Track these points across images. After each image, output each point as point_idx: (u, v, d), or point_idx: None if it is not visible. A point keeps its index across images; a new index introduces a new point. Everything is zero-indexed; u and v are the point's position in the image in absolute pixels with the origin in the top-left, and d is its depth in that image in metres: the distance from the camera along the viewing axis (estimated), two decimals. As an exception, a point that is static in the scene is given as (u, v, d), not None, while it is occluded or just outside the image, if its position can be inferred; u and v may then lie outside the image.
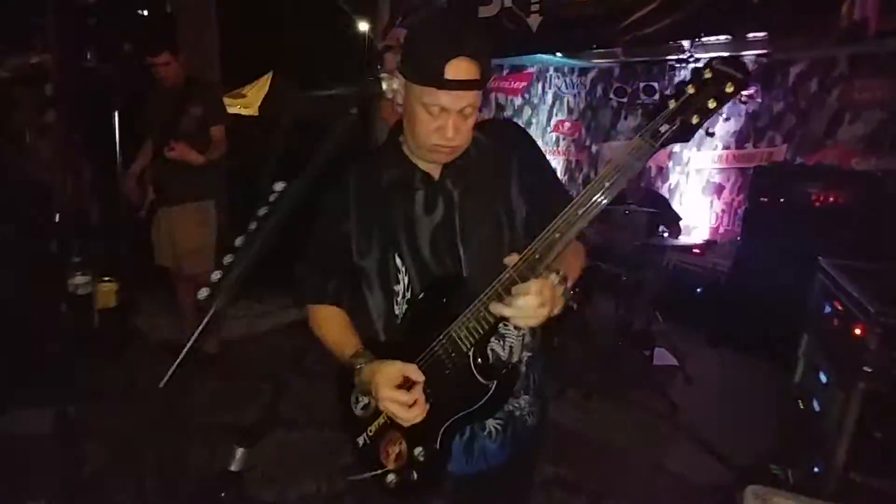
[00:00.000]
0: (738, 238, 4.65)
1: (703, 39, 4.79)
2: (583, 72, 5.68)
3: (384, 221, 1.24)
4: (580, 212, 0.97)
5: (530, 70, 5.91)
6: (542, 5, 3.85)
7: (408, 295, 1.25)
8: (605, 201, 0.96)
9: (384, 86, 1.08)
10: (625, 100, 5.40)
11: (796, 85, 4.58)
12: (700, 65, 0.93)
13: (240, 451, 1.09)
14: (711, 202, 5.21)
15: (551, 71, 5.83)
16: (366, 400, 1.26)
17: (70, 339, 1.94)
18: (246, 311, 4.40)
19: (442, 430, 1.18)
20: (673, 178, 5.40)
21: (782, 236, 3.98)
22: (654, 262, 4.03)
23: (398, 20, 4.69)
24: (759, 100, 4.75)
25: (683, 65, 5.07)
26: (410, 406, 1.12)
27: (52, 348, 2.00)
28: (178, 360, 0.95)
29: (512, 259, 1.02)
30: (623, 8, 3.44)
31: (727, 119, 4.97)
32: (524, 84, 5.97)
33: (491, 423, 1.28)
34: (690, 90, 0.92)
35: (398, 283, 1.24)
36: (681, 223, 4.49)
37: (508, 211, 1.20)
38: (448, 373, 1.14)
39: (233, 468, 1.10)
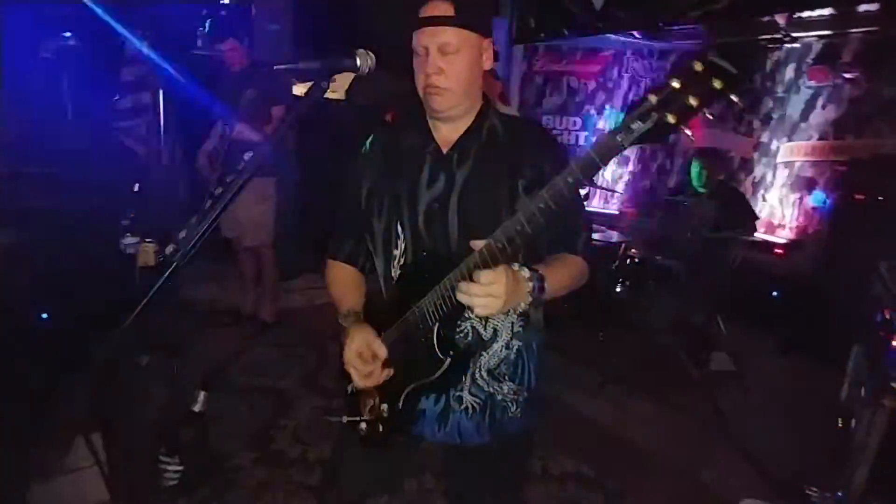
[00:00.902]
0: (826, 238, 4.18)
1: (804, 17, 4.33)
2: (663, 54, 5.34)
3: (394, 187, 1.31)
4: (541, 205, 0.96)
5: (606, 53, 5.65)
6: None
7: (402, 261, 1.33)
8: (568, 196, 0.94)
9: (358, 61, 1.12)
10: (707, 84, 4.99)
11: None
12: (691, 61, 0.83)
13: (202, 395, 1.22)
14: (800, 199, 4.72)
15: (628, 53, 5.53)
16: None
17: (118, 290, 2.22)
18: (310, 284, 4.69)
19: (404, 393, 1.26)
20: (758, 171, 4.94)
21: (877, 238, 3.52)
22: (719, 258, 3.75)
23: None
24: (864, 84, 4.20)
25: (778, 45, 4.60)
26: (366, 374, 1.23)
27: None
28: (135, 312, 1.04)
29: (477, 244, 1.04)
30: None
31: (824, 106, 4.46)
32: (599, 67, 5.72)
33: (468, 399, 1.32)
34: (675, 84, 0.83)
35: (396, 248, 1.32)
36: (758, 222, 4.11)
37: (510, 204, 1.22)
38: (414, 342, 1.21)
39: (196, 409, 1.23)
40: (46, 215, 2.72)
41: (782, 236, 4.75)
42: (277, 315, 3.85)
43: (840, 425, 1.95)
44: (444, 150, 1.27)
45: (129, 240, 2.12)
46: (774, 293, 4.28)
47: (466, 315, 1.26)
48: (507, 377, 1.31)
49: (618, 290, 3.75)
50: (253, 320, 3.79)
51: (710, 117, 0.86)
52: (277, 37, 4.43)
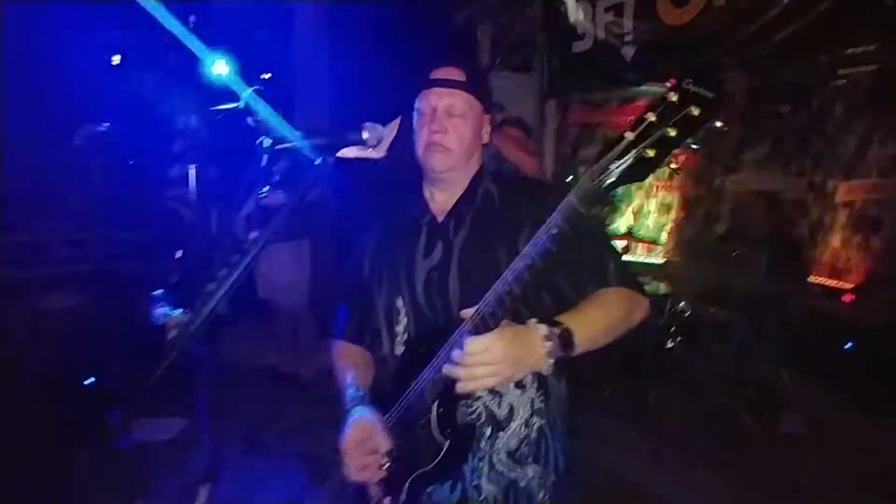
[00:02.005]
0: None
1: (847, 54, 4.16)
2: (700, 99, 5.22)
3: (392, 262, 1.28)
4: (528, 262, 0.91)
5: (641, 102, 5.59)
6: (636, 35, 3.66)
7: (405, 337, 1.25)
8: (553, 249, 0.89)
9: (364, 135, 1.13)
10: (748, 125, 4.83)
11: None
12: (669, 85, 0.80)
13: (204, 490, 1.15)
14: (867, 240, 4.36)
15: (663, 101, 5.46)
16: None
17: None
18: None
19: (407, 483, 1.15)
20: (814, 213, 4.63)
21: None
22: (778, 308, 3.46)
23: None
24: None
25: (821, 83, 4.42)
26: (362, 466, 1.14)
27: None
28: (154, 377, 1.01)
29: (468, 313, 0.97)
30: (720, 32, 3.14)
31: (883, 142, 4.18)
32: (632, 117, 5.65)
33: (487, 489, 1.18)
34: (650, 117, 0.80)
35: (398, 323, 1.26)
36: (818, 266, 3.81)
37: (513, 257, 1.15)
38: (415, 425, 1.12)
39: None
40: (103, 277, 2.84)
41: (849, 281, 4.37)
42: (315, 374, 3.82)
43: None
44: (440, 219, 1.24)
45: (161, 309, 2.14)
46: (848, 344, 3.89)
47: (476, 394, 1.15)
48: (530, 459, 1.19)
49: (669, 345, 3.50)
50: (290, 379, 3.77)
51: (695, 147, 0.79)
52: (317, 109, 4.64)
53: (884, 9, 2.57)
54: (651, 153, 0.77)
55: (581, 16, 3.92)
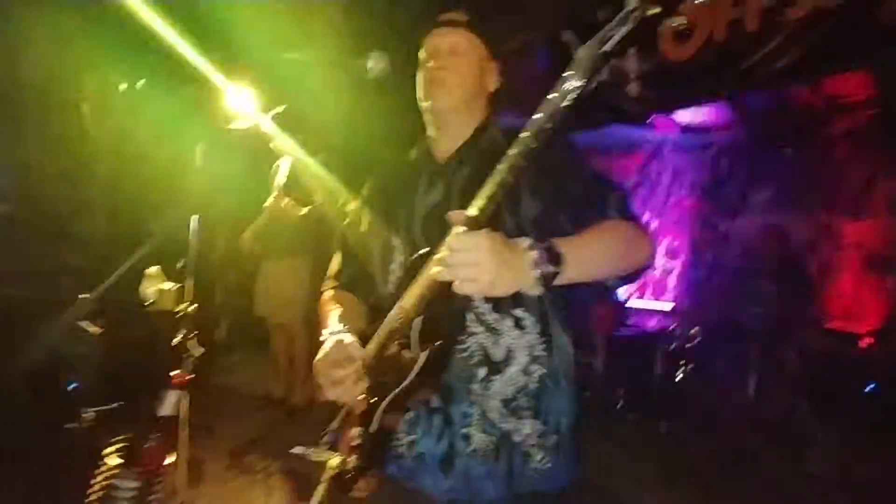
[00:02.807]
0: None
1: (844, 100, 4.32)
2: (703, 146, 5.35)
3: (391, 202, 1.26)
4: (527, 135, 0.86)
5: (645, 148, 5.74)
6: (640, 71, 3.80)
7: (399, 274, 1.20)
8: (551, 126, 0.84)
9: (370, 63, 1.15)
10: (752, 170, 4.92)
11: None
12: None
13: (173, 394, 1.07)
14: (881, 282, 4.28)
15: (667, 148, 5.59)
16: None
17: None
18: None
19: (379, 410, 1.05)
20: (824, 252, 4.59)
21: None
22: (798, 339, 3.35)
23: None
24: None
25: (819, 127, 4.53)
26: (336, 380, 1.05)
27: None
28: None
29: (457, 215, 0.91)
30: (721, 64, 3.26)
31: (887, 180, 4.22)
32: (639, 163, 5.78)
33: (478, 437, 1.08)
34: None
35: (392, 262, 1.22)
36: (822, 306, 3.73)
37: (514, 207, 1.13)
38: (394, 348, 1.05)
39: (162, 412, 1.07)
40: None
41: (865, 325, 4.25)
42: (310, 399, 3.66)
43: None
44: (442, 161, 1.22)
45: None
46: (869, 386, 3.72)
47: (471, 329, 1.09)
48: (528, 413, 1.09)
49: (679, 374, 3.36)
50: (283, 404, 3.62)
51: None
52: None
53: (878, 35, 2.65)
54: (654, 10, 0.76)
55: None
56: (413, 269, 1.06)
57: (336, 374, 1.04)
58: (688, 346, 3.47)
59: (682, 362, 3.44)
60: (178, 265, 3.21)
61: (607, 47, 0.80)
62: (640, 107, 3.87)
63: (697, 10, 3.34)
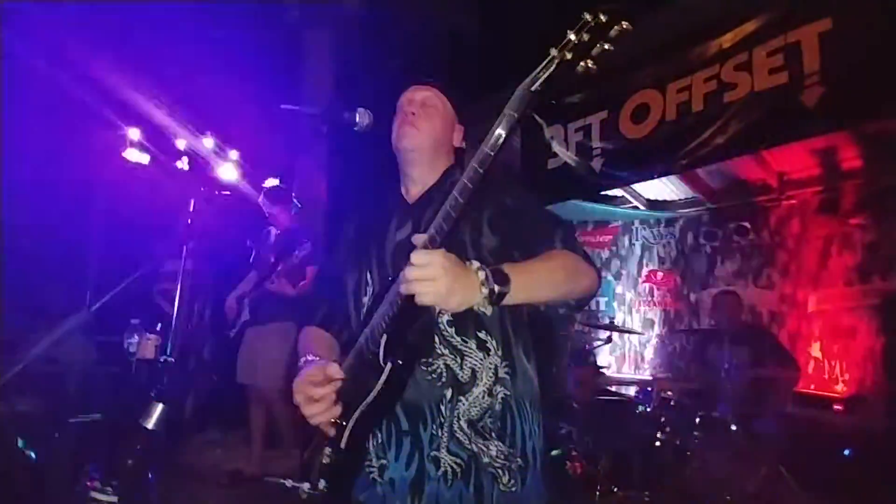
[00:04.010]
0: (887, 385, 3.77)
1: (793, 177, 4.69)
2: (670, 221, 5.64)
3: (366, 241, 1.37)
4: (476, 165, 0.99)
5: (615, 224, 6.01)
6: (602, 149, 4.13)
7: (370, 304, 1.28)
8: (492, 153, 0.98)
9: (357, 118, 1.31)
10: (717, 243, 5.18)
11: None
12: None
13: (158, 407, 1.07)
14: (846, 348, 4.40)
15: (637, 223, 5.87)
16: None
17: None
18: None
19: (349, 427, 1.10)
20: (791, 323, 4.74)
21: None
22: (767, 400, 3.39)
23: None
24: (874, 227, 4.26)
25: (774, 203, 4.85)
26: (316, 400, 1.11)
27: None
28: None
29: (420, 238, 1.04)
30: (674, 137, 3.59)
31: (841, 253, 4.47)
32: (610, 237, 6.02)
33: (447, 460, 1.12)
34: (570, 36, 0.91)
35: (366, 295, 1.30)
36: (795, 368, 3.80)
37: (476, 239, 1.25)
38: (362, 367, 1.12)
39: (149, 426, 1.07)
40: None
41: (838, 391, 4.31)
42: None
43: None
44: (411, 201, 1.35)
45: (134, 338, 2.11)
46: (846, 451, 3.70)
47: (438, 351, 1.17)
48: (493, 435, 1.14)
49: (660, 437, 3.32)
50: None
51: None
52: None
53: (804, 114, 2.99)
54: (569, 55, 0.91)
55: (554, 137, 4.45)
56: (381, 297, 1.15)
57: (315, 391, 1.10)
58: (666, 414, 3.47)
59: (660, 431, 3.41)
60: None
61: (535, 87, 0.94)
62: (604, 181, 4.18)
63: (650, 94, 3.73)
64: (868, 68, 2.75)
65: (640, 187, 5.31)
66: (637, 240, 5.88)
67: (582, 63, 0.92)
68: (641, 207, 5.60)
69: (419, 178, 1.35)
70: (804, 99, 2.95)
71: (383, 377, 1.05)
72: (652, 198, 5.57)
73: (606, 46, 0.90)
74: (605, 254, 6.02)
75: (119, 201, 4.66)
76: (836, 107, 2.91)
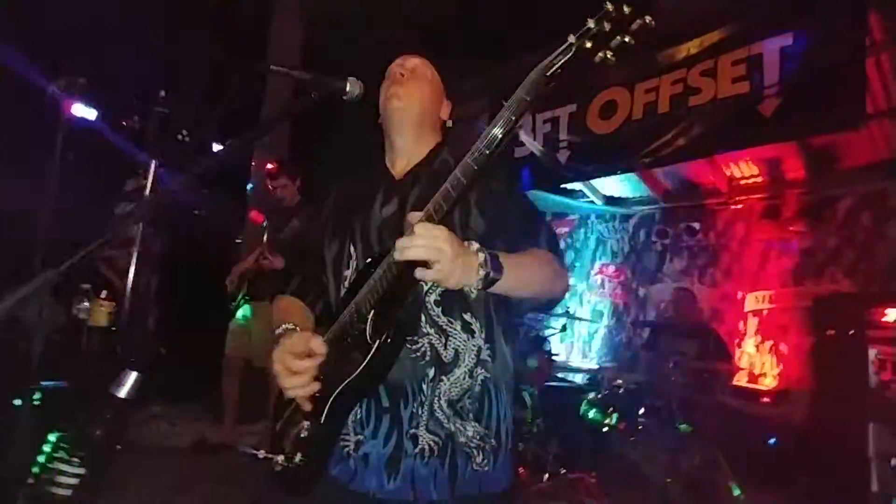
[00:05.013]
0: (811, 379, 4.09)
1: (742, 183, 4.96)
2: (624, 218, 5.84)
3: (349, 215, 1.33)
4: (482, 145, 0.97)
5: (572, 217, 6.16)
6: (569, 142, 4.21)
7: (353, 278, 1.25)
8: (502, 135, 0.96)
9: (348, 87, 1.26)
10: (668, 241, 5.41)
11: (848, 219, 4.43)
12: None
13: (132, 375, 1.02)
14: (777, 346, 4.73)
15: (593, 217, 6.04)
16: None
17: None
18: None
19: (328, 402, 1.09)
20: (729, 320, 5.03)
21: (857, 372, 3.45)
22: (713, 395, 3.60)
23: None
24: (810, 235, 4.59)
25: (722, 206, 5.12)
26: (296, 373, 1.09)
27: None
28: None
29: (415, 216, 1.02)
30: (639, 136, 3.70)
31: (779, 257, 4.78)
32: (567, 230, 6.17)
33: (425, 438, 1.12)
34: (590, 24, 0.91)
35: (348, 267, 1.27)
36: (733, 363, 4.06)
37: (463, 220, 1.23)
38: (346, 342, 1.11)
39: (121, 394, 1.01)
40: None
41: (766, 385, 4.64)
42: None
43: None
44: (397, 177, 1.32)
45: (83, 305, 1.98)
46: (772, 440, 4.01)
47: (424, 330, 1.16)
48: (471, 415, 1.15)
49: (606, 423, 3.47)
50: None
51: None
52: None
53: (761, 122, 3.16)
54: (589, 44, 0.91)
55: (521, 126, 4.49)
56: (367, 272, 1.13)
57: (296, 364, 1.07)
58: (613, 401, 3.62)
59: (608, 416, 3.57)
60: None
61: (550, 72, 0.94)
62: (569, 174, 4.27)
63: (619, 92, 3.83)
64: (823, 84, 2.93)
65: (598, 183, 5.45)
66: (592, 233, 6.06)
67: (600, 54, 0.91)
68: (598, 202, 5.76)
69: (404, 148, 1.33)
70: (762, 108, 3.12)
71: (371, 354, 1.03)
72: (609, 194, 5.74)
73: (626, 39, 0.90)
74: (561, 245, 6.15)
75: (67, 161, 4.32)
76: (790, 118, 3.10)
